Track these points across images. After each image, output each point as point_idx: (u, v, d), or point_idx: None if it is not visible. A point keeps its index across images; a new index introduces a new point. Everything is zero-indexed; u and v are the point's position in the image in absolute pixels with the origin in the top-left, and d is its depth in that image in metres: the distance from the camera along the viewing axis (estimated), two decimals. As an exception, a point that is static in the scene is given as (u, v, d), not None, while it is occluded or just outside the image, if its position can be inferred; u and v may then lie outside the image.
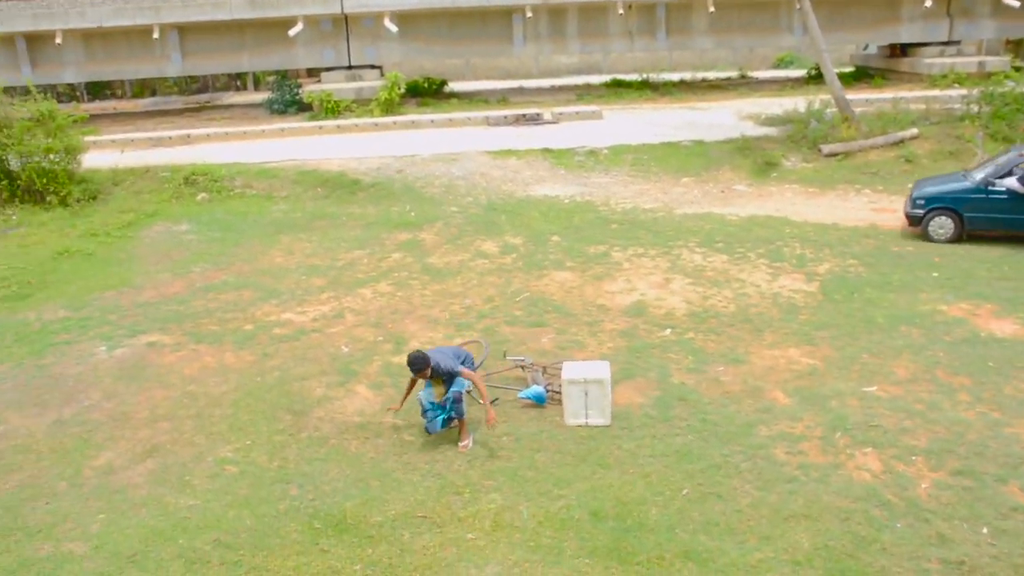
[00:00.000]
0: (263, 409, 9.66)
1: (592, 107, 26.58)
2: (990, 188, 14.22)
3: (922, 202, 14.69)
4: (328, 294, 13.27)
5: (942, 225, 14.54)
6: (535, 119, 25.56)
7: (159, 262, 15.14)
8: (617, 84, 31.37)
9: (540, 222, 16.44)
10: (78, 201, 19.04)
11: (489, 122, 25.64)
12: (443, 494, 7.94)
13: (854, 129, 20.10)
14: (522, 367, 10.22)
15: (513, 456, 8.55)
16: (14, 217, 18.51)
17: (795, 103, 22.53)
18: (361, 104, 28.23)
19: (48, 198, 19.02)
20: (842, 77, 26.94)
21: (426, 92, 30.52)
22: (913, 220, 14.78)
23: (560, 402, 9.32)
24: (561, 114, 25.86)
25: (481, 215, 17.13)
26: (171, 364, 10.90)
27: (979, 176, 14.65)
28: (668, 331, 11.33)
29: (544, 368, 10.12)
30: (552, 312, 12.13)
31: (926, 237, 14.65)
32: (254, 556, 7.15)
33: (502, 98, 29.81)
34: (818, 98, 22.11)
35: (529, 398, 9.60)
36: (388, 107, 27.55)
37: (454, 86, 32.43)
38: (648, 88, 30.29)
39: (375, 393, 10.02)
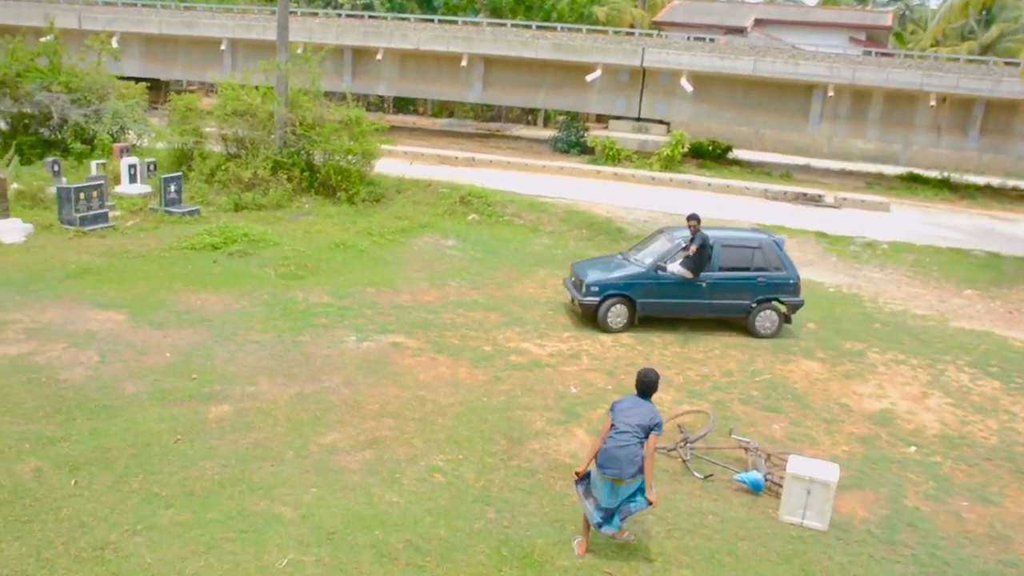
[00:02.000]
0: (482, 429, 9.91)
1: (880, 198, 25.20)
2: (660, 273, 13.91)
3: (596, 289, 13.62)
4: (570, 333, 13.43)
5: (618, 313, 13.86)
6: (816, 200, 24.61)
7: (421, 270, 16.05)
8: (913, 179, 29.51)
9: (798, 305, 15.72)
10: (363, 201, 20.74)
11: (767, 195, 25.01)
12: (633, 557, 7.73)
13: None
14: (745, 449, 9.77)
15: (715, 537, 8.17)
16: (307, 205, 20.46)
17: (1119, 232, 20.09)
18: (642, 156, 28.57)
19: (339, 194, 20.89)
20: None
21: (709, 155, 30.33)
22: (587, 308, 13.81)
23: (777, 494, 8.82)
24: (845, 199, 24.73)
25: (737, 286, 16.64)
26: (409, 366, 11.48)
27: (648, 261, 14.23)
28: (913, 448, 10.40)
29: (768, 456, 9.62)
30: (790, 400, 11.53)
31: (603, 327, 13.68)
32: (439, 566, 7.31)
33: (786, 173, 28.99)
34: None
35: (745, 483, 9.15)
36: (668, 164, 27.68)
37: (738, 153, 31.98)
38: (947, 188, 28.24)
39: (592, 439, 9.96)
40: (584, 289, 13.85)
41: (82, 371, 10.45)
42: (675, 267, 13.93)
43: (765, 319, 14.14)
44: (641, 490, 7.63)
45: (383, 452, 9.17)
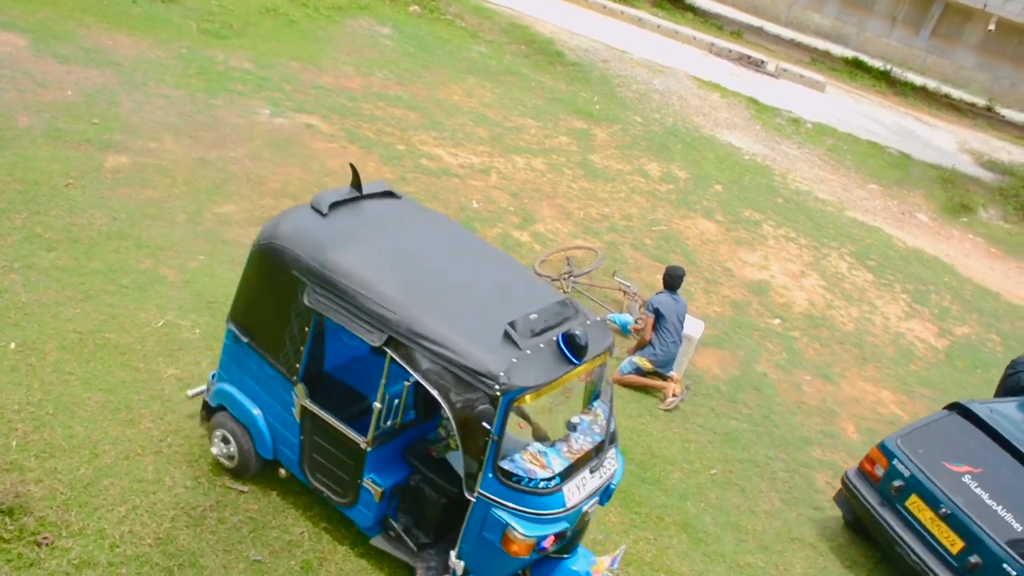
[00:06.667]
0: (378, 226, 10.05)
1: (819, 76, 25.29)
2: None
3: None
4: (485, 148, 13.45)
5: None
6: (758, 65, 24.53)
7: (349, 54, 15.56)
8: (856, 64, 29.54)
9: (711, 166, 16.04)
10: (305, -34, 19.62)
11: (712, 50, 24.77)
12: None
13: (1073, 208, 18.51)
14: (624, 291, 10.26)
15: (575, 368, 8.70)
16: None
17: (1027, 157, 20.90)
18: (600, -18, 27.66)
19: (280, -47, 19.65)
20: (1091, 152, 24.73)
21: (667, -5, 29.57)
22: None
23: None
24: (785, 71, 24.73)
25: (659, 136, 16.82)
26: (318, 150, 11.39)
27: None
28: (777, 321, 11.10)
29: (644, 302, 10.14)
30: (679, 254, 12.01)
31: None
32: (311, 348, 7.62)
33: (737, 31, 28.62)
34: (1053, 161, 20.41)
35: (616, 323, 9.68)
36: (624, -5, 26.91)
37: (698, 0, 31.28)
38: (884, 81, 28.46)
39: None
40: None
41: (-27, 93, 10.03)
42: None
43: None
44: None
45: (276, 231, 9.25)
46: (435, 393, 4.85)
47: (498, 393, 4.66)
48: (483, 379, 4.70)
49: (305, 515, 6.02)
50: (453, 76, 16.36)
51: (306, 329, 5.34)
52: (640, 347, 8.78)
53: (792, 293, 12.01)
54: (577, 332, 4.91)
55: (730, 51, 24.80)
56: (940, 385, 10.79)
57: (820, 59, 28.92)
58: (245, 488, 6.04)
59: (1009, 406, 7.58)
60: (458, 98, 15.31)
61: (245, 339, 5.70)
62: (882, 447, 7.25)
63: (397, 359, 4.97)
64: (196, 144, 10.45)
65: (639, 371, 8.66)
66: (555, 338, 4.97)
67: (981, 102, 31.59)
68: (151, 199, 9.05)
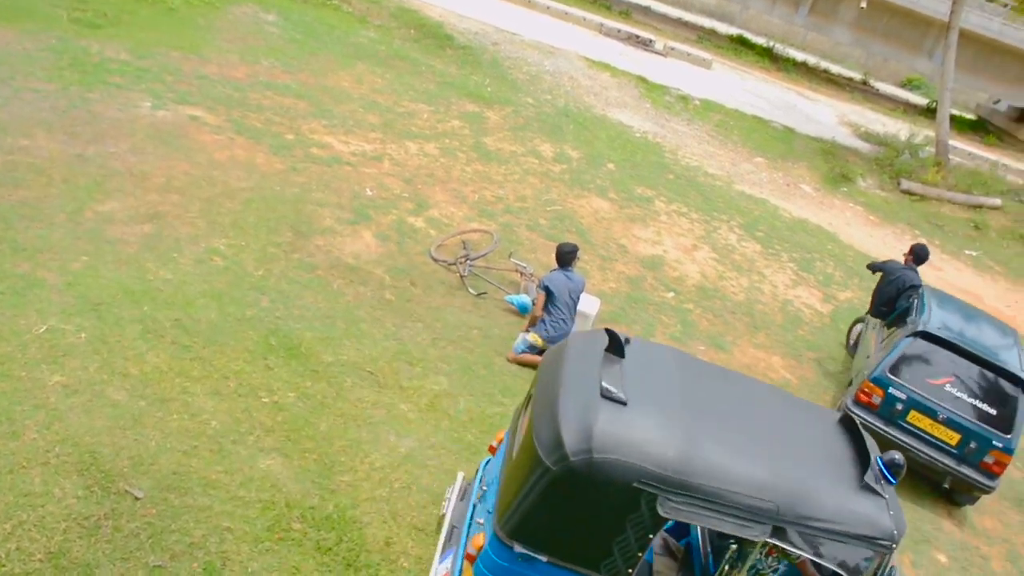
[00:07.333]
0: (270, 218, 9.88)
1: (706, 54, 25.88)
2: None
3: None
4: (376, 134, 13.34)
5: None
6: (647, 44, 24.96)
7: (233, 42, 15.16)
8: (741, 42, 30.39)
9: (603, 145, 16.29)
10: (182, -48, 18.99)
11: (602, 31, 25.08)
12: (397, 359, 8.19)
13: (941, 176, 19.50)
14: (521, 272, 10.36)
15: (475, 351, 8.77)
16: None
17: (899, 128, 21.87)
18: (488, -36, 27.62)
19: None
20: (959, 123, 26.09)
21: (555, -24, 29.73)
22: None
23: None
24: (673, 49, 25.22)
25: (552, 116, 16.97)
26: (204, 143, 11.09)
27: None
28: (672, 294, 11.39)
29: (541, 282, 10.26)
30: (574, 233, 12.17)
31: None
32: (205, 347, 7.46)
33: (626, 11, 29.02)
34: (923, 132, 21.42)
35: (514, 304, 9.79)
36: (512, -23, 26.94)
37: (584, -19, 31.57)
38: (767, 58, 29.37)
39: (378, 243, 10.23)
40: None
41: None
42: None
43: None
44: None
45: (163, 228, 9.00)
46: (831, 567, 4.86)
47: (894, 548, 4.84)
48: (880, 542, 4.81)
49: (205, 516, 5.91)
50: (342, 63, 16.13)
51: (650, 536, 4.92)
52: (532, 324, 8.91)
53: (685, 266, 12.33)
54: (895, 456, 5.12)
55: (619, 31, 25.15)
56: (825, 348, 11.29)
57: (706, 37, 29.61)
58: (141, 493, 5.89)
59: (952, 318, 9.56)
60: (347, 85, 15.11)
61: (543, 557, 5.06)
62: (875, 380, 9.01)
63: (780, 545, 4.84)
64: (73, 140, 10.04)
65: (532, 348, 8.78)
66: (878, 467, 5.11)
67: (857, 76, 32.96)
68: (26, 199, 8.66)
